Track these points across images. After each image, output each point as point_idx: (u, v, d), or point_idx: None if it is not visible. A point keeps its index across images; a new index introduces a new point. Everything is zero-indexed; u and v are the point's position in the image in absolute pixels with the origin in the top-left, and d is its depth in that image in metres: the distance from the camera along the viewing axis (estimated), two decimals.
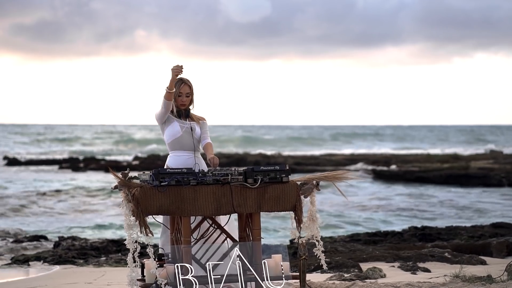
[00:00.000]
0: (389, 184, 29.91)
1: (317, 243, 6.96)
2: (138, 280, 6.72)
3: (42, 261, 11.79)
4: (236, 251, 6.65)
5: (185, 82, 7.28)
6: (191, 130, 7.26)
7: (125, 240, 6.70)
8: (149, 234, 6.54)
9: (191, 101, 7.35)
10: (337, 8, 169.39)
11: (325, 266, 7.07)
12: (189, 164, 7.08)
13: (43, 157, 48.59)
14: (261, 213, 6.83)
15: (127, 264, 6.63)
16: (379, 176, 31.71)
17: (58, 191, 26.10)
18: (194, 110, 7.41)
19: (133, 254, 6.54)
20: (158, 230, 7.29)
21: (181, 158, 7.22)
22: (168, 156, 7.33)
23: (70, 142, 68.32)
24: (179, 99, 7.28)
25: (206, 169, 7.07)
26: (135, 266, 6.58)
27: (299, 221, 6.85)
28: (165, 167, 7.16)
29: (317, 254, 7.01)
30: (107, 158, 47.14)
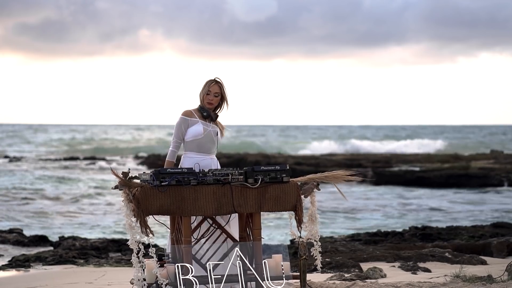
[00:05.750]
0: (390, 184, 29.92)
1: (315, 243, 6.95)
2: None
3: (42, 262, 11.78)
4: (237, 251, 6.65)
5: (216, 82, 7.17)
6: (213, 134, 7.17)
7: (126, 240, 6.70)
8: (150, 235, 6.53)
9: (219, 104, 7.22)
10: (343, 7, 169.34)
11: (319, 267, 7.04)
12: (202, 165, 6.99)
13: (43, 156, 48.58)
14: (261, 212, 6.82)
15: (131, 264, 6.61)
16: (379, 176, 31.69)
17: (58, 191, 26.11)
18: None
19: (137, 255, 6.53)
20: (158, 230, 7.27)
21: (194, 159, 7.12)
22: (182, 156, 7.22)
23: (71, 142, 68.32)
24: (207, 97, 7.15)
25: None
26: (140, 267, 6.57)
27: (299, 221, 6.85)
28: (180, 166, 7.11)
29: (313, 255, 7.00)
30: (108, 157, 47.11)
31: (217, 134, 7.20)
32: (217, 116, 7.24)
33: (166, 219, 7.20)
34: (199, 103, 7.22)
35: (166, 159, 7.19)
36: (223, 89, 7.19)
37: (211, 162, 7.16)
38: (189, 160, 7.13)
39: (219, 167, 7.17)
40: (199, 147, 7.15)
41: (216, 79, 7.18)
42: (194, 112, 7.21)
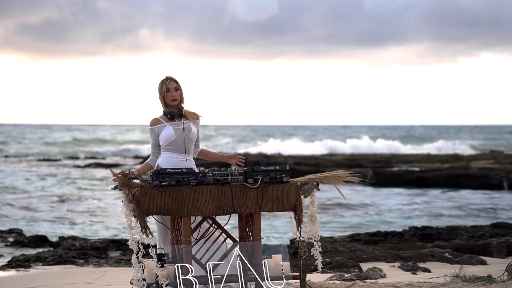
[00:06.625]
0: (390, 184, 29.91)
1: (315, 243, 6.95)
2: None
3: (42, 262, 11.78)
4: (236, 251, 6.65)
5: (170, 78, 7.20)
6: (185, 131, 7.18)
7: (125, 240, 6.70)
8: (149, 235, 6.53)
9: (181, 97, 7.26)
10: (344, 7, 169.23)
11: (319, 267, 7.04)
12: (181, 167, 7.01)
13: (44, 156, 48.61)
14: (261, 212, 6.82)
15: (131, 264, 6.61)
16: (379, 176, 31.67)
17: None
18: (188, 106, 7.30)
19: (136, 255, 6.53)
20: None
21: (174, 160, 7.13)
22: (161, 157, 7.16)
23: (72, 142, 68.37)
24: (168, 95, 7.17)
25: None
26: (140, 267, 6.57)
27: (299, 221, 6.85)
28: (155, 167, 7.11)
29: (314, 255, 7.00)
30: (108, 157, 47.12)
31: (191, 128, 7.18)
32: (181, 110, 7.22)
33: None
34: (163, 109, 7.23)
35: (146, 161, 7.25)
36: (178, 83, 7.24)
37: (189, 164, 7.16)
38: (169, 160, 7.11)
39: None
40: (175, 148, 7.16)
41: (167, 76, 7.22)
42: (160, 118, 7.21)
